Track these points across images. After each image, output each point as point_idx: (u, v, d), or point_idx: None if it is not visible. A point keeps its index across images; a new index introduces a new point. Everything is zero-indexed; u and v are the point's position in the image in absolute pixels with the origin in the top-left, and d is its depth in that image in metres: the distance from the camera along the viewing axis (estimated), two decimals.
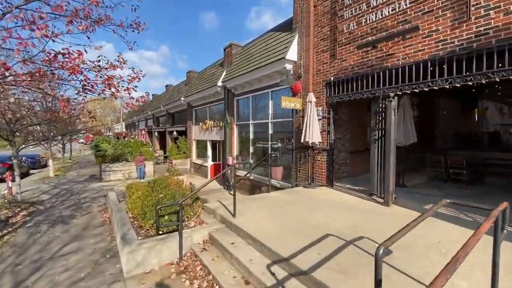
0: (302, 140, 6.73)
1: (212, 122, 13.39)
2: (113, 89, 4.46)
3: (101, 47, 4.36)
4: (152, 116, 25.82)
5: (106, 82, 4.20)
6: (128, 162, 14.16)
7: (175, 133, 16.38)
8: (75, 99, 7.91)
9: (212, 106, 13.79)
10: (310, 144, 6.71)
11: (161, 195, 4.38)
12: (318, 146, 6.95)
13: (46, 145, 15.66)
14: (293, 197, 5.94)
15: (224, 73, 11.66)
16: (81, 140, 46.41)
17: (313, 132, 6.56)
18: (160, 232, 4.17)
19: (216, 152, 14.67)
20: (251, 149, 10.31)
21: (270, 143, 9.13)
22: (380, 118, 5.62)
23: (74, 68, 3.66)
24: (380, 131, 5.61)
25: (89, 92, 4.76)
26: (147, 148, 15.45)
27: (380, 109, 5.62)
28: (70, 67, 3.65)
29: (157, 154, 20.15)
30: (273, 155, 8.60)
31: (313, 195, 6.13)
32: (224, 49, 11.93)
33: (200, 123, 14.72)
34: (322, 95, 6.99)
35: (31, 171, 18.61)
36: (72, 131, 17.55)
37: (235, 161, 11.40)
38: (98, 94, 4.81)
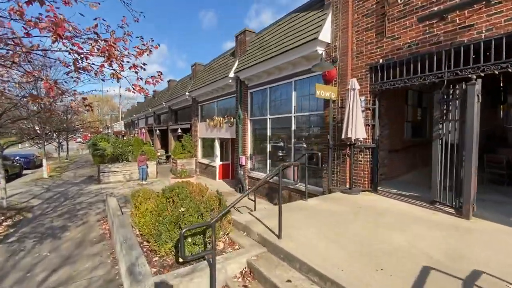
0: (343, 136, 5.57)
1: (221, 118, 12.21)
2: (115, 65, 3.28)
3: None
4: (153, 114, 24.61)
5: (106, 53, 3.01)
6: (129, 162, 12.97)
7: (179, 130, 15.20)
8: (65, 81, 6.69)
9: (221, 101, 12.61)
10: (352, 140, 5.55)
11: (182, 209, 3.21)
12: (360, 143, 5.79)
13: (39, 143, 14.42)
14: (339, 206, 4.78)
15: (236, 63, 10.48)
16: (78, 139, 45.16)
17: (357, 126, 5.41)
18: (181, 260, 3.01)
19: (225, 151, 13.49)
20: (268, 147, 9.14)
21: (293, 140, 7.97)
22: (450, 108, 4.48)
23: (58, 25, 2.47)
24: (450, 123, 4.46)
25: (83, 71, 3.59)
26: (149, 146, 14.24)
27: (451, 96, 4.48)
28: (53, 24, 2.46)
29: (158, 154, 18.94)
30: (308, 154, 7.45)
31: (361, 203, 4.97)
32: (236, 37, 10.74)
33: (207, 120, 13.54)
34: (365, 81, 5.83)
35: (25, 172, 17.37)
36: (68, 128, 16.28)
37: (249, 161, 10.24)
38: (95, 74, 3.63)
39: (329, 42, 6.53)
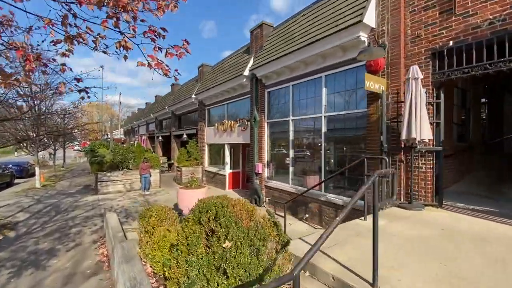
0: (404, 137, 4.46)
1: (232, 122, 11.12)
2: (123, 26, 2.19)
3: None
4: (154, 120, 23.54)
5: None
6: (130, 171, 11.78)
7: (184, 136, 14.08)
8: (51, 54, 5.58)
9: (232, 103, 11.55)
10: (416, 142, 4.44)
11: (227, 244, 2.02)
12: (422, 146, 4.69)
13: (30, 149, 13.24)
14: (417, 229, 3.61)
15: (251, 61, 9.47)
16: (76, 147, 43.85)
17: (422, 124, 4.31)
18: None
19: (235, 158, 12.34)
20: (291, 153, 8.01)
21: (323, 144, 6.85)
22: None
23: None
24: None
25: (77, 42, 2.50)
26: (152, 153, 13.09)
27: None
28: None
29: (161, 162, 17.74)
30: (348, 158, 6.33)
31: (439, 223, 3.81)
32: (252, 32, 9.77)
33: (216, 124, 12.45)
34: (425, 70, 4.76)
35: (17, 181, 16.10)
36: (63, 133, 15.07)
37: (266, 169, 9.09)
38: (94, 43, 2.55)
39: (374, 26, 5.51)
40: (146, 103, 29.32)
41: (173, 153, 18.83)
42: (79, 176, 18.20)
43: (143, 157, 11.72)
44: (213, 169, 13.19)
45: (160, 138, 19.37)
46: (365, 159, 5.03)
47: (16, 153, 39.28)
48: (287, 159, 8.25)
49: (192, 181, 7.91)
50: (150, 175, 11.34)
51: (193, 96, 14.21)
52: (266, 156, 9.11)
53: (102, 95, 18.53)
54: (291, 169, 8.02)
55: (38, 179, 13.18)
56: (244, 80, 9.66)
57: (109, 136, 12.47)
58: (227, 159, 12.00)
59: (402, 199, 5.04)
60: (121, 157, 11.33)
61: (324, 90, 6.88)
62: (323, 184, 6.86)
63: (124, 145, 11.64)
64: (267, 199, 8.82)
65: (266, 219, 2.58)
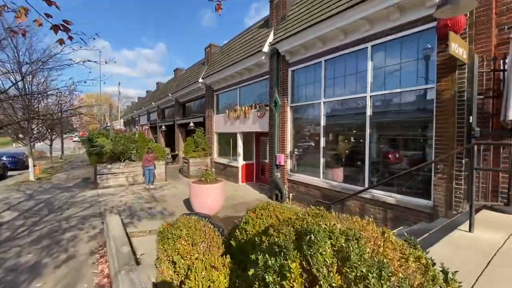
0: (506, 118, 3.26)
1: (247, 108, 9.88)
2: None
3: None
4: (156, 108, 22.26)
5: None
6: (132, 162, 10.63)
7: (191, 124, 12.85)
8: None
9: (246, 86, 10.27)
10: None
11: None
12: None
13: (23, 139, 12.07)
14: None
15: (271, 34, 8.15)
16: (75, 138, 42.68)
17: None
18: None
19: (248, 149, 11.16)
20: (322, 142, 6.82)
21: (368, 130, 5.65)
22: None
23: None
24: None
25: None
26: (156, 144, 11.89)
27: None
28: None
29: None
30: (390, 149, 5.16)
31: None
32: (271, 1, 8.41)
33: (227, 111, 11.21)
34: None
35: (11, 173, 15.00)
36: (59, 121, 13.88)
37: (289, 160, 7.92)
38: None
39: None
40: (146, 91, 27.95)
41: (177, 144, 17.66)
42: (77, 168, 17.08)
43: (146, 147, 10.55)
44: (223, 160, 12.04)
45: (163, 127, 18.15)
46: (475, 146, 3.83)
47: (14, 144, 38.17)
48: (317, 148, 7.07)
49: (206, 174, 6.76)
50: (155, 167, 10.19)
51: (200, 80, 12.91)
52: (289, 146, 7.93)
53: (100, 85, 17.24)
54: (322, 160, 6.85)
55: (32, 171, 12.05)
56: (263, 57, 8.37)
57: (108, 124, 11.30)
58: (240, 149, 10.82)
59: (488, 199, 3.88)
60: (123, 147, 10.16)
61: (369, 64, 5.62)
62: (366, 179, 5.71)
63: (126, 135, 10.42)
64: (291, 194, 7.69)
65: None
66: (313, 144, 7.32)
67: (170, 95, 17.60)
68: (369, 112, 5.64)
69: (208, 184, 6.50)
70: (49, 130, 18.55)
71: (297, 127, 7.82)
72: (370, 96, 5.63)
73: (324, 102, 6.75)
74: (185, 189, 9.79)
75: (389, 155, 5.50)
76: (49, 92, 9.89)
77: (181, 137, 17.68)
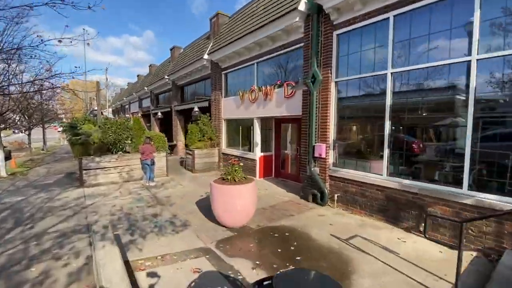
0: None
1: (268, 87, 8.05)
2: None
3: None
4: (149, 94, 20.06)
5: None
6: (127, 154, 8.70)
7: (196, 109, 10.90)
8: None
9: (268, 60, 8.39)
10: None
11: None
12: None
13: None
14: None
15: None
16: (60, 128, 39.74)
17: None
18: None
19: (266, 137, 9.40)
20: (387, 128, 5.13)
21: (471, 108, 3.97)
22: None
23: None
24: None
25: None
26: (155, 132, 9.93)
27: None
28: None
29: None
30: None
31: None
32: None
33: (239, 93, 9.35)
34: None
35: None
36: (36, 107, 11.65)
37: (331, 151, 6.23)
38: None
39: None
40: (137, 75, 25.49)
41: (175, 133, 15.71)
42: (61, 161, 14.96)
43: (145, 137, 8.64)
44: (235, 151, 10.25)
45: (159, 114, 16.07)
46: None
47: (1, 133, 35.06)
48: (377, 136, 5.39)
49: (233, 171, 4.99)
50: (154, 162, 8.31)
51: (205, 56, 10.91)
52: (332, 133, 6.21)
53: (86, 72, 14.92)
54: (386, 152, 5.17)
55: (2, 165, 9.96)
56: (297, 19, 6.50)
57: (95, 109, 9.26)
58: (258, 138, 9.04)
59: None
60: (114, 136, 8.19)
61: (476, 15, 3.89)
62: (466, 177, 4.08)
63: (118, 121, 8.42)
64: (335, 195, 6.03)
65: None
66: (370, 130, 5.63)
67: (166, 77, 15.48)
68: (473, 83, 3.95)
69: (238, 185, 4.74)
70: (26, 118, 16.21)
71: (344, 108, 6.09)
72: (477, 60, 3.92)
73: (392, 74, 5.01)
74: (193, 187, 8.02)
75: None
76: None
77: (179, 125, 15.71)
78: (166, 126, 18.44)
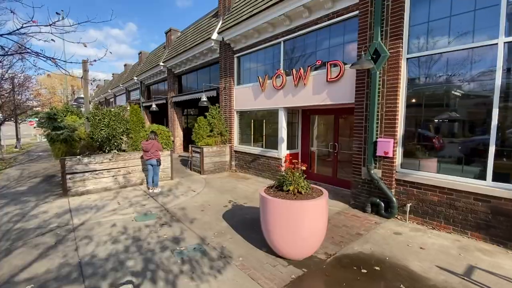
0: None
1: (302, 71, 6.56)
2: None
3: None
4: (139, 85, 18.03)
5: None
6: (123, 154, 6.94)
7: (204, 99, 9.21)
8: None
9: (302, 37, 6.86)
10: None
11: None
12: None
13: None
14: None
15: None
16: (35, 121, 36.34)
17: None
18: None
19: (291, 132, 7.94)
20: (495, 118, 3.79)
21: None
22: None
23: None
24: None
25: None
26: (157, 125, 8.17)
27: None
28: None
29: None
30: None
31: None
32: None
33: (259, 79, 7.82)
34: None
35: None
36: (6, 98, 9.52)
37: (399, 149, 4.86)
38: None
39: None
40: (124, 65, 23.18)
41: (172, 128, 13.91)
42: (37, 160, 12.82)
43: (143, 131, 6.93)
44: (250, 149, 8.72)
45: (153, 107, 14.17)
46: None
47: None
48: (476, 130, 4.06)
49: (296, 178, 3.48)
50: (160, 162, 6.64)
51: (214, 37, 9.24)
52: (401, 126, 4.83)
53: (65, 64, 12.73)
54: (491, 150, 3.84)
55: None
56: None
57: (81, 96, 7.36)
58: (284, 133, 7.54)
59: None
60: (108, 130, 6.42)
61: None
62: None
63: (112, 110, 6.61)
64: (408, 205, 4.68)
65: None
66: (463, 122, 4.28)
67: (161, 64, 13.61)
68: None
69: (307, 201, 3.24)
70: None
71: (419, 93, 4.71)
72: None
73: (506, 44, 3.66)
74: (209, 193, 6.45)
75: None
76: None
77: (177, 119, 13.93)
78: (159, 121, 16.56)
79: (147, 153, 6.37)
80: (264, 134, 8.40)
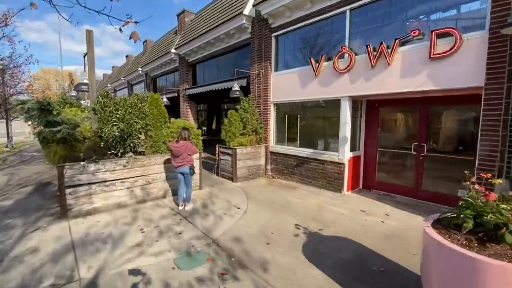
0: None
1: (383, 47, 4.85)
2: None
3: None
4: (144, 77, 16.23)
5: None
6: (140, 157, 5.19)
7: (236, 88, 7.46)
8: None
9: (375, 3, 5.15)
10: None
11: None
12: None
13: None
14: None
15: None
16: (30, 122, 34.25)
17: None
18: None
19: (353, 130, 6.24)
20: None
21: None
22: None
23: None
24: None
25: None
26: (183, 120, 6.39)
27: None
28: None
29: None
30: None
31: None
32: None
33: (312, 62, 6.11)
34: None
35: None
36: None
37: None
38: None
39: None
40: (126, 56, 21.30)
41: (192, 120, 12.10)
42: (30, 162, 11.04)
43: (166, 127, 5.21)
44: (295, 150, 7.03)
45: (164, 100, 12.37)
46: None
47: None
48: None
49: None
50: (193, 170, 4.91)
51: (246, 11, 7.50)
52: None
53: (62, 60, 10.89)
54: None
55: None
56: None
57: (85, 81, 5.62)
58: (347, 129, 5.84)
59: None
60: (123, 126, 4.66)
61: None
62: None
63: (127, 98, 4.84)
64: None
65: None
66: None
67: (172, 51, 11.83)
68: None
69: None
70: None
71: None
72: None
73: None
74: (258, 211, 4.76)
75: None
76: None
77: (191, 115, 12.19)
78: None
79: (177, 159, 4.66)
80: (313, 132, 6.72)
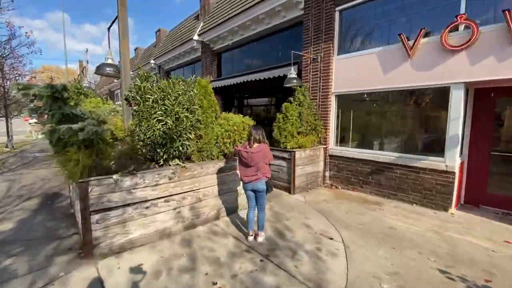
0: None
1: None
2: None
3: None
4: (157, 70, 14.80)
5: None
6: (190, 165, 3.73)
7: (293, 75, 5.98)
8: None
9: None
10: None
11: None
12: None
13: None
14: None
15: None
16: (32, 120, 32.75)
17: None
18: None
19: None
20: None
21: None
22: None
23: None
24: None
25: None
26: (239, 117, 4.96)
27: None
28: None
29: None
30: None
31: None
32: None
33: (403, 38, 4.63)
34: None
35: None
36: None
37: None
38: None
39: None
40: (135, 49, 19.81)
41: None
42: (33, 165, 9.61)
43: (217, 124, 3.78)
44: (369, 154, 5.57)
45: None
46: None
47: None
48: None
49: None
50: (271, 187, 3.45)
51: None
52: None
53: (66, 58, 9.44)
54: None
55: None
56: None
57: (107, 62, 4.28)
58: (458, 128, 4.37)
59: None
60: (170, 122, 3.21)
61: None
62: None
63: (174, 81, 3.36)
64: None
65: None
66: None
67: (194, 38, 10.34)
68: None
69: None
70: None
71: None
72: None
73: None
74: (367, 246, 3.06)
75: None
76: None
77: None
78: None
79: (249, 170, 3.21)
80: (397, 131, 5.26)
